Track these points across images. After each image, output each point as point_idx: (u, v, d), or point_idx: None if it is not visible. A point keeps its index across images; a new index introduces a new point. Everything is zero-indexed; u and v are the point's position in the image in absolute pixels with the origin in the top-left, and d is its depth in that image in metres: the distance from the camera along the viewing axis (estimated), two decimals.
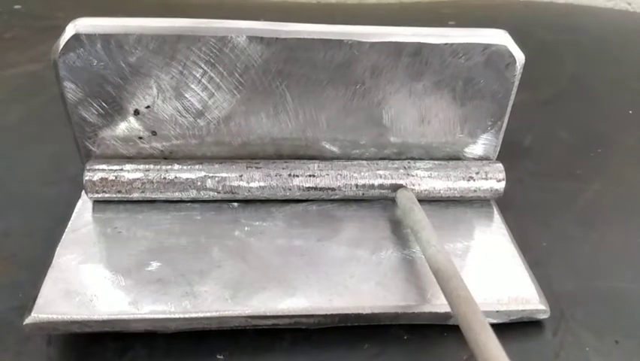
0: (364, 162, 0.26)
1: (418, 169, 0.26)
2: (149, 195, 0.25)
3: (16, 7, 0.51)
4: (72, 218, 0.25)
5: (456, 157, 0.27)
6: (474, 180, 0.26)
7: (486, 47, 0.23)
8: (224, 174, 0.25)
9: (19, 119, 0.34)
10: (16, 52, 0.43)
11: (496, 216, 0.26)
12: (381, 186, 0.26)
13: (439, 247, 0.21)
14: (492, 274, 0.23)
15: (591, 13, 0.58)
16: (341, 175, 0.25)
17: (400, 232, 0.25)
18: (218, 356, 0.21)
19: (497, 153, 0.27)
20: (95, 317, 0.20)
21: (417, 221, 0.23)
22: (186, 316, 0.21)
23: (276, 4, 0.59)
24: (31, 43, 0.45)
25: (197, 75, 0.23)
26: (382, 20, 0.54)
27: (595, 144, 0.34)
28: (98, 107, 0.24)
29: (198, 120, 0.25)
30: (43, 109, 0.35)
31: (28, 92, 0.37)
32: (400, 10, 0.58)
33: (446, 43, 0.23)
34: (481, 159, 0.27)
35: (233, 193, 0.25)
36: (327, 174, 0.25)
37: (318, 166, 0.26)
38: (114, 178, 0.24)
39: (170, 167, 0.25)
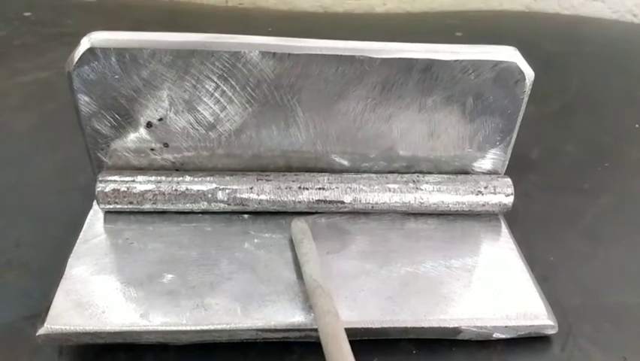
0: (374, 175, 0.26)
1: (426, 183, 0.26)
2: (160, 207, 0.25)
3: (26, 14, 0.52)
4: (83, 229, 0.25)
5: (465, 171, 0.27)
6: (482, 195, 0.26)
7: (496, 63, 0.24)
8: (234, 186, 0.25)
9: (30, 127, 0.35)
10: (26, 59, 0.44)
11: (504, 231, 0.26)
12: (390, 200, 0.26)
13: (320, 282, 0.21)
14: (500, 289, 0.23)
15: (597, 24, 0.58)
16: (350, 188, 0.26)
17: (409, 245, 0.25)
18: None
19: (506, 167, 0.27)
20: (107, 328, 0.21)
21: (303, 254, 0.23)
22: (197, 328, 0.21)
23: (283, 12, 0.60)
24: (40, 50, 0.45)
25: (210, 89, 0.24)
26: (389, 30, 0.54)
27: (602, 157, 0.34)
28: (111, 120, 0.24)
29: (210, 133, 0.25)
30: (54, 117, 0.36)
31: (38, 100, 0.38)
32: (408, 20, 0.58)
33: (456, 60, 0.23)
34: (489, 173, 0.27)
35: (243, 205, 0.25)
36: (337, 187, 0.26)
37: (328, 179, 0.26)
38: (126, 189, 0.25)
39: (181, 179, 0.25)
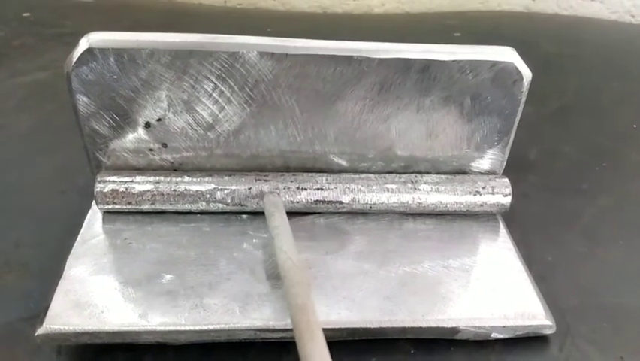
0: (372, 175, 0.26)
1: (425, 183, 0.26)
2: (159, 207, 0.25)
3: (25, 14, 0.52)
4: (82, 229, 0.25)
5: (462, 171, 0.27)
6: (480, 195, 0.26)
7: (493, 64, 0.24)
8: (233, 187, 0.25)
9: (29, 128, 0.35)
10: (25, 60, 0.44)
11: (502, 231, 0.26)
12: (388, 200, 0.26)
13: (290, 253, 0.21)
14: (498, 289, 0.23)
15: (595, 25, 0.58)
16: (349, 188, 0.26)
17: (407, 245, 0.25)
18: None
19: (503, 167, 0.27)
20: (106, 328, 0.21)
21: (275, 227, 0.23)
22: (196, 328, 0.21)
23: (282, 13, 0.60)
24: (39, 51, 0.45)
25: (209, 89, 0.24)
26: (388, 31, 0.54)
27: (600, 158, 0.34)
28: (109, 120, 0.24)
29: (208, 133, 0.25)
30: (53, 117, 0.36)
31: (37, 101, 0.38)
32: (406, 20, 0.58)
33: (454, 60, 0.24)
34: (487, 173, 0.27)
35: (241, 205, 0.25)
36: (335, 188, 0.26)
37: (326, 179, 0.26)
38: (125, 190, 0.25)
39: (180, 179, 0.25)
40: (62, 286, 0.22)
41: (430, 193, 0.26)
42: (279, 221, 0.23)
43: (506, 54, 0.24)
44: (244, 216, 0.26)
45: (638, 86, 0.44)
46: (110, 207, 0.25)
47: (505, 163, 0.27)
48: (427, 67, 0.24)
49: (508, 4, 0.61)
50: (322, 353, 0.17)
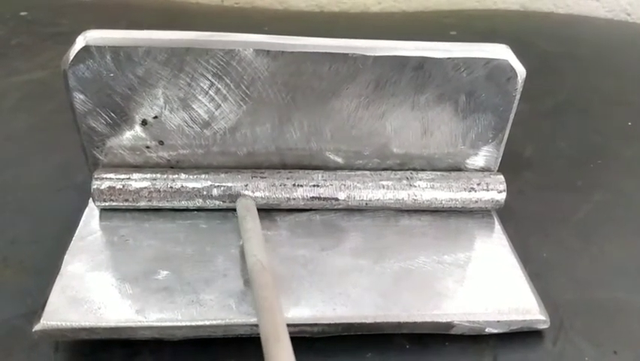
0: (368, 172, 0.26)
1: (420, 180, 0.26)
2: (155, 204, 0.25)
3: (22, 13, 0.52)
4: (79, 226, 0.25)
5: (457, 168, 0.27)
6: (475, 191, 0.26)
7: (488, 61, 0.24)
8: (229, 184, 0.25)
9: (27, 127, 0.35)
10: (22, 59, 0.44)
11: (497, 227, 0.27)
12: (383, 196, 0.26)
13: (260, 256, 0.21)
14: (493, 285, 0.23)
15: (591, 23, 0.59)
16: (344, 185, 0.26)
17: (403, 241, 0.25)
18: None
19: (498, 164, 0.27)
20: (103, 324, 0.21)
21: (247, 230, 0.23)
22: (192, 324, 0.21)
23: (280, 12, 0.60)
24: (37, 50, 0.45)
25: (205, 87, 0.24)
26: (385, 29, 0.54)
27: (594, 155, 0.35)
28: (106, 117, 0.24)
29: (205, 130, 0.25)
30: (51, 116, 0.36)
31: (35, 100, 0.38)
32: (403, 19, 0.59)
33: (449, 58, 0.24)
34: (482, 170, 0.27)
35: None
36: (331, 184, 0.26)
37: (322, 176, 0.26)
38: (121, 187, 0.25)
39: (176, 176, 0.25)
40: (59, 282, 0.22)
41: (426, 190, 0.26)
42: (250, 225, 0.23)
43: (500, 51, 0.24)
44: None
45: (633, 84, 0.45)
46: (106, 204, 0.25)
47: (499, 160, 0.27)
48: (421, 64, 0.24)
49: (504, 3, 0.61)
50: (287, 354, 0.17)
